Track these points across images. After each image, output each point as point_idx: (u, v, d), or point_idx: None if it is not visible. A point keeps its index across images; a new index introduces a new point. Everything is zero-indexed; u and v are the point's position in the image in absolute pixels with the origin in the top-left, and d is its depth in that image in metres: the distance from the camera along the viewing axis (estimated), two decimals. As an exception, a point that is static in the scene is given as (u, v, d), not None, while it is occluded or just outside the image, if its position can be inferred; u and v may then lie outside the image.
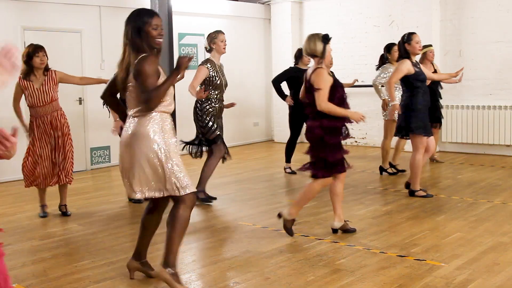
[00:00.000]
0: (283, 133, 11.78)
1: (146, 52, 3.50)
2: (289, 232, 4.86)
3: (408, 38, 6.14)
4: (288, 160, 8.11)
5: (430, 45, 7.96)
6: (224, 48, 6.15)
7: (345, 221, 4.94)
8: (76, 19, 8.73)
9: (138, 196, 3.53)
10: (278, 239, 4.82)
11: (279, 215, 4.89)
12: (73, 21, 8.69)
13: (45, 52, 5.74)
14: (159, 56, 3.62)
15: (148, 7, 8.58)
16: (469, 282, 3.69)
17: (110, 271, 4.08)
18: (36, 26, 8.21)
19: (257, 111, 12.09)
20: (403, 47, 6.18)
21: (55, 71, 5.85)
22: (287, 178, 7.81)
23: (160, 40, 3.56)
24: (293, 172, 7.96)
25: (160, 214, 3.85)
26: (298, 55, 7.85)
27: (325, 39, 4.63)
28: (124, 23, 3.58)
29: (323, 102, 4.55)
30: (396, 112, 6.47)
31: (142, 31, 3.51)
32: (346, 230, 4.91)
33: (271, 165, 9.08)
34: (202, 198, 6.21)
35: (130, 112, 3.59)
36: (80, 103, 8.82)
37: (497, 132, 9.28)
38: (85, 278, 3.96)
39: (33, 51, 5.66)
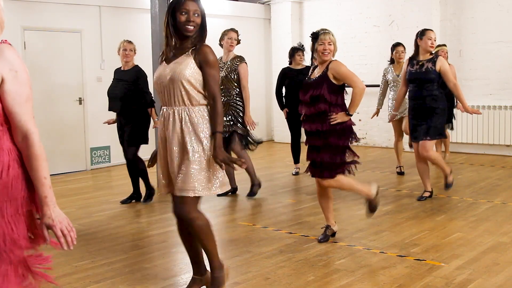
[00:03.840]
0: (283, 133, 11.79)
1: (176, 41, 3.27)
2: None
3: (421, 33, 5.84)
4: (297, 161, 7.96)
5: (444, 45, 7.85)
6: (231, 46, 6.44)
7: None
8: (76, 19, 8.73)
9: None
10: (278, 239, 4.82)
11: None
12: (73, 21, 8.69)
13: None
14: (187, 43, 3.27)
15: (148, 7, 8.57)
16: (469, 282, 3.69)
17: (110, 271, 4.08)
18: (36, 26, 8.21)
19: (257, 111, 12.02)
20: (415, 43, 5.88)
21: None
22: (287, 178, 7.80)
23: (189, 27, 3.21)
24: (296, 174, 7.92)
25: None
26: (292, 54, 7.69)
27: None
28: None
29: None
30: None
31: (172, 17, 3.25)
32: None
33: (271, 165, 9.08)
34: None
35: None
36: (80, 103, 8.82)
37: (497, 132, 9.29)
38: (85, 278, 3.96)
39: None
